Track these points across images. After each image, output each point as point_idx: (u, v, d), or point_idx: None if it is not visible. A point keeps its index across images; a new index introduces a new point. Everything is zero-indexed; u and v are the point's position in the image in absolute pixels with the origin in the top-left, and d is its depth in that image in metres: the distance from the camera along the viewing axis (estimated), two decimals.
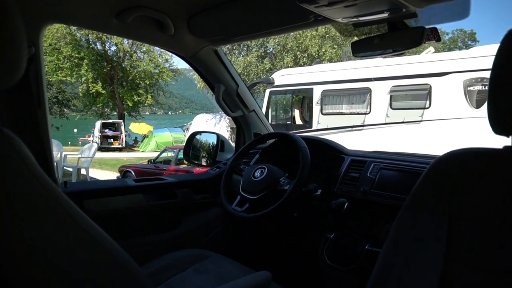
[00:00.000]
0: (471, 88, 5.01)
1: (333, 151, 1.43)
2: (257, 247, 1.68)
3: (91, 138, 16.04)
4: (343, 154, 1.39)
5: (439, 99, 5.23)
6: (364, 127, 5.95)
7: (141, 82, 18.27)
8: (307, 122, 7.05)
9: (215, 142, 1.89)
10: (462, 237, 0.62)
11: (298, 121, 7.43)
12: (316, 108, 6.57)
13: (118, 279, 0.61)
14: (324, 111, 6.48)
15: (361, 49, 1.13)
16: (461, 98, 5.02)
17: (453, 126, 4.97)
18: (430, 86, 5.32)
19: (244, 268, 1.22)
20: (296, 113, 7.44)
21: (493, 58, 0.60)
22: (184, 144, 2.43)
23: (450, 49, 23.16)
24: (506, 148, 0.64)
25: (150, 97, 18.66)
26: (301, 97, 7.60)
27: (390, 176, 1.20)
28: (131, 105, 18.44)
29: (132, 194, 1.40)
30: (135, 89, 18.49)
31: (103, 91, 17.67)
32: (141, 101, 18.68)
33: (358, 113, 6.06)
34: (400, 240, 0.69)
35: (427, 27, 0.98)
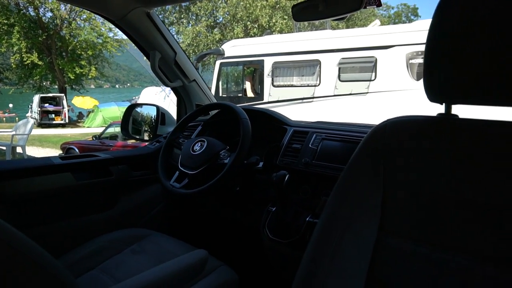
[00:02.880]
0: (413, 61, 5.24)
1: (276, 123, 1.39)
2: (199, 224, 1.63)
3: (29, 114, 14.82)
4: (286, 125, 1.35)
5: (384, 72, 5.40)
6: (314, 99, 6.03)
7: (82, 52, 17.05)
8: (259, 94, 6.99)
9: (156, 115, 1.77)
10: (395, 206, 0.61)
11: (250, 94, 7.35)
12: (267, 80, 6.52)
13: (22, 274, 0.53)
14: (275, 83, 6.45)
15: (302, 13, 1.07)
16: (404, 70, 5.22)
17: (396, 97, 5.18)
18: (376, 59, 5.45)
19: (185, 246, 1.17)
20: (247, 85, 7.36)
21: None
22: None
23: (395, 23, 24.01)
24: (440, 115, 0.66)
25: (94, 69, 17.55)
26: (252, 69, 7.49)
27: (331, 147, 1.18)
28: (73, 77, 17.23)
29: (59, 173, 1.27)
30: (77, 61, 17.23)
31: (40, 62, 16.26)
32: (84, 73, 17.50)
33: (308, 85, 6.11)
34: (336, 210, 0.67)
35: None
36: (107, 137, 7.36)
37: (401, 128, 0.66)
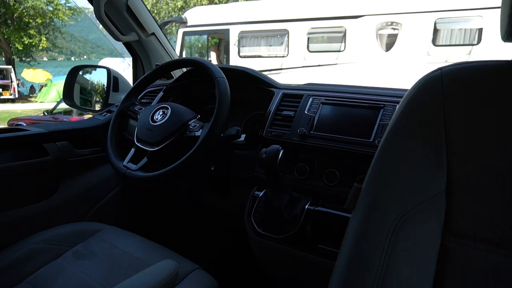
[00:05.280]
0: (382, 31, 5.17)
1: (260, 84, 1.14)
2: (164, 214, 1.38)
3: None
4: (273, 88, 1.11)
5: (353, 42, 5.29)
6: (282, 70, 5.86)
7: (31, 20, 15.71)
8: None
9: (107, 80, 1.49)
10: (469, 192, 0.42)
11: None
12: (233, 51, 6.25)
13: None
14: (241, 54, 6.23)
15: None
16: (373, 41, 5.14)
17: (366, 68, 5.12)
18: (345, 29, 5.33)
19: (146, 245, 0.94)
20: (213, 56, 7.05)
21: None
22: None
23: None
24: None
25: (44, 39, 16.29)
26: (218, 39, 7.16)
27: (333, 113, 0.96)
28: (21, 48, 16.00)
29: None
30: (24, 29, 15.91)
31: None
32: (33, 43, 16.23)
33: (276, 56, 5.94)
34: (378, 204, 0.46)
35: None
36: (61, 112, 6.80)
37: (466, 77, 0.47)
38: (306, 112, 0.98)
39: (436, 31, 4.74)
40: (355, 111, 0.93)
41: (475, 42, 4.53)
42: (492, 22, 4.25)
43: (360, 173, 0.84)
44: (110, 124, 1.08)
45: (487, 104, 0.44)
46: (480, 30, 4.43)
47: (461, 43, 4.68)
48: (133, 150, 1.01)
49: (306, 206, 0.87)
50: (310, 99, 1.00)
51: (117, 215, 1.26)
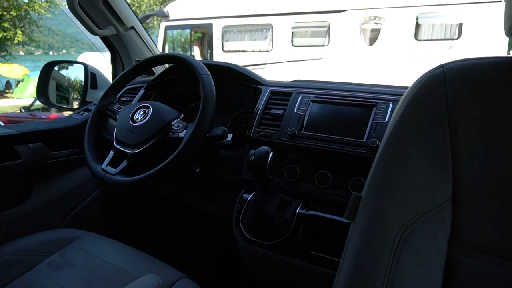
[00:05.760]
0: (366, 26, 5.19)
1: (246, 81, 1.09)
2: (147, 219, 1.32)
3: None
4: (260, 85, 1.06)
5: (337, 37, 5.30)
6: (267, 65, 5.83)
7: (5, 13, 15.10)
8: None
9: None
10: (476, 198, 0.39)
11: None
12: (217, 45, 6.17)
13: None
14: (225, 49, 6.16)
15: None
16: (357, 35, 5.16)
17: (350, 63, 5.14)
18: (329, 24, 5.34)
19: (129, 253, 0.88)
20: (196, 50, 6.95)
21: None
22: None
23: None
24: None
25: (20, 32, 15.69)
26: (201, 34, 7.06)
27: (324, 111, 0.92)
28: None
29: None
30: None
31: None
32: (8, 37, 15.62)
33: (260, 51, 5.90)
34: (380, 213, 0.42)
35: None
36: (39, 109, 6.58)
37: (471, 74, 0.43)
38: (295, 110, 0.94)
39: (418, 26, 4.78)
40: (346, 109, 0.89)
41: (456, 37, 4.59)
42: (472, 17, 4.31)
43: (353, 175, 0.81)
44: (87, 124, 1.02)
45: (495, 104, 0.41)
46: (460, 25, 4.49)
47: (442, 37, 4.74)
48: (112, 152, 0.95)
49: (297, 210, 0.83)
50: (300, 97, 0.96)
51: (97, 221, 1.19)
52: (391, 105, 0.84)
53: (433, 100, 0.43)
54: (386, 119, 0.82)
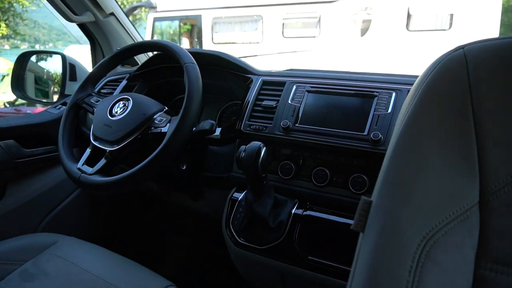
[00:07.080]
0: (357, 16, 5.16)
1: (236, 70, 1.02)
2: (130, 222, 1.24)
3: None
4: (250, 74, 0.99)
5: (328, 28, 5.25)
6: (257, 57, 5.78)
7: None
8: None
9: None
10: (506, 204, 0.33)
11: None
12: (207, 37, 6.08)
13: None
14: (215, 40, 6.08)
15: None
16: (348, 26, 5.13)
17: (342, 54, 5.11)
18: (320, 15, 5.30)
19: (111, 258, 0.81)
20: (185, 42, 6.84)
21: None
22: None
23: None
24: None
25: (4, 25, 15.30)
26: (190, 25, 6.95)
27: (321, 102, 0.85)
28: None
29: None
30: None
31: None
32: None
33: (250, 43, 5.83)
34: (395, 221, 0.35)
35: None
36: (24, 104, 6.40)
37: (498, 56, 0.37)
38: (289, 102, 0.87)
39: (409, 16, 4.76)
40: (345, 100, 0.82)
41: (447, 28, 4.57)
42: (462, 8, 4.29)
43: (354, 172, 0.74)
44: (61, 119, 0.94)
45: None
46: (451, 16, 4.47)
47: (434, 28, 4.73)
48: (89, 150, 0.87)
49: (293, 211, 0.77)
50: (294, 87, 0.89)
51: (76, 224, 1.12)
52: (394, 94, 0.78)
53: (455, 85, 0.37)
54: (389, 110, 0.76)
